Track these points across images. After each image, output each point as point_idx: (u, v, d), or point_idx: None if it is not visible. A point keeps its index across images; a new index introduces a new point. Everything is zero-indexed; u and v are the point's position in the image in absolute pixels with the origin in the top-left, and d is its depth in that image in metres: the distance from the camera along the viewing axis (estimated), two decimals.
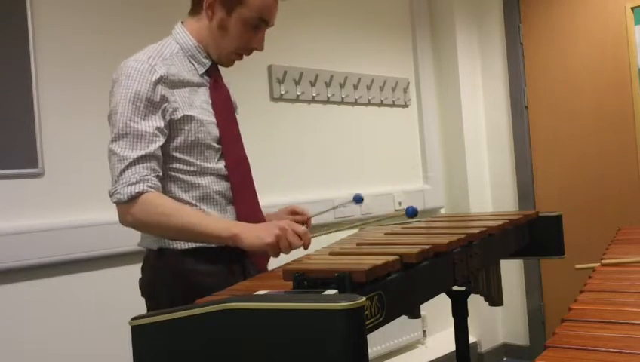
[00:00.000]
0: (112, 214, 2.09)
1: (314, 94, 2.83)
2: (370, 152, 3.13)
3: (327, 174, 2.89)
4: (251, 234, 1.26)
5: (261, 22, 1.42)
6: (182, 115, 1.35)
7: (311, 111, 2.85)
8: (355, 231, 1.89)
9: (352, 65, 3.05)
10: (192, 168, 1.38)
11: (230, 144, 1.45)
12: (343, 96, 2.98)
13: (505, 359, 3.51)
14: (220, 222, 1.33)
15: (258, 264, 1.47)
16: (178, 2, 2.35)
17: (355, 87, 3.04)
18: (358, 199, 1.61)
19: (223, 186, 1.43)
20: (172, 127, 1.36)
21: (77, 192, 2.02)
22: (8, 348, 1.84)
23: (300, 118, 2.80)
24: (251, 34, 1.43)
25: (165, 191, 1.37)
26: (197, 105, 1.39)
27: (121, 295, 2.08)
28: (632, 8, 2.98)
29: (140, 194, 1.26)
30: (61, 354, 1.94)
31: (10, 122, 1.88)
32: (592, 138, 3.16)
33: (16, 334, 1.86)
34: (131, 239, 2.19)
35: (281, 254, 1.27)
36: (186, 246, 1.36)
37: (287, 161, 2.73)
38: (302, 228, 1.28)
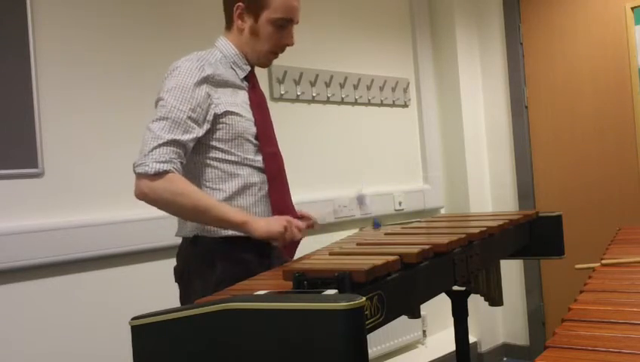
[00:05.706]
0: (112, 214, 2.11)
1: (314, 94, 2.83)
2: (370, 152, 3.13)
3: (328, 174, 2.89)
4: (261, 223, 1.42)
5: (286, 21, 1.57)
6: (224, 110, 1.49)
7: (311, 111, 2.85)
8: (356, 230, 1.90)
9: (352, 65, 3.05)
10: (232, 158, 1.51)
11: (266, 141, 1.59)
12: (343, 96, 2.98)
13: (505, 359, 3.51)
14: (234, 209, 1.45)
15: (286, 253, 1.56)
16: (179, 1, 2.35)
17: (355, 87, 3.04)
18: (377, 225, 1.84)
19: (259, 178, 1.56)
20: (215, 121, 1.49)
21: (77, 192, 2.02)
22: (8, 348, 1.84)
23: (300, 118, 2.80)
24: (280, 33, 1.57)
25: (204, 180, 1.51)
26: (238, 103, 1.54)
27: (121, 295, 2.08)
28: (632, 8, 2.98)
29: (166, 172, 1.38)
30: (61, 354, 1.94)
31: (10, 122, 1.88)
32: (592, 138, 3.15)
33: (16, 334, 1.86)
34: (131, 239, 2.19)
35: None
36: (220, 235, 1.48)
37: (287, 161, 2.72)
38: (302, 224, 1.50)
